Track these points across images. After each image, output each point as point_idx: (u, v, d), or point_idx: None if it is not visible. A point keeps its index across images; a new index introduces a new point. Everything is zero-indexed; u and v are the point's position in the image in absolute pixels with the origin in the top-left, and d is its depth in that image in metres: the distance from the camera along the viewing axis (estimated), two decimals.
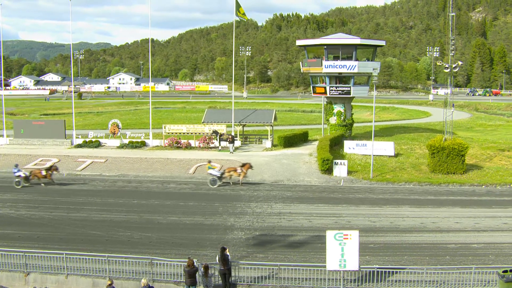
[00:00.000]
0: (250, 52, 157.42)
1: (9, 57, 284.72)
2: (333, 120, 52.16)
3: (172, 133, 49.21)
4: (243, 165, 35.86)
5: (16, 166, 36.25)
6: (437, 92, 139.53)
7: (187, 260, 18.62)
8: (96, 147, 48.58)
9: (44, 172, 35.79)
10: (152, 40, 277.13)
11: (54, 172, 36.28)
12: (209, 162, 36.71)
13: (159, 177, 38.41)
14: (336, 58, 50.08)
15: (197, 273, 18.58)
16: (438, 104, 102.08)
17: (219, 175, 35.39)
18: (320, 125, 57.79)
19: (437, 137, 40.94)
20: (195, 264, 18.51)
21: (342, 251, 18.59)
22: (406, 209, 29.97)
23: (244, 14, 48.79)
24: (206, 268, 18.57)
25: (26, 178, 35.60)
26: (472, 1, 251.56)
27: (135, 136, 50.25)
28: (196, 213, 28.99)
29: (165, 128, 49.44)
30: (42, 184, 35.83)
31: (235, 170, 35.46)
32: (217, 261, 18.99)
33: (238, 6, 47.66)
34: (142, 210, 29.47)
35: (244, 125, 51.72)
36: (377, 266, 19.69)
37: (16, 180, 35.37)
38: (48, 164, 39.34)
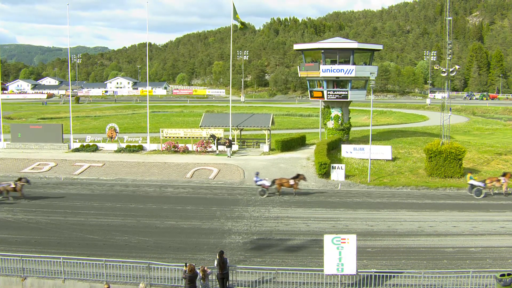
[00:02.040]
0: (247, 56, 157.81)
1: (6, 61, 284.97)
2: (330, 124, 52.22)
3: (170, 137, 49.20)
4: (504, 174, 34.58)
5: (257, 174, 34.60)
6: (434, 96, 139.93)
7: (184, 264, 18.56)
8: (94, 151, 48.52)
9: (292, 182, 33.94)
10: (150, 44, 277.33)
11: (301, 182, 34.68)
12: (470, 172, 35.36)
13: (156, 181, 38.37)
14: (333, 62, 50.22)
15: (197, 278, 18.51)
16: (435, 108, 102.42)
17: (483, 185, 33.88)
18: (318, 129, 57.85)
19: (435, 141, 41.03)
20: (195, 269, 18.43)
21: (340, 255, 18.59)
22: (404, 213, 30.00)
23: (242, 23, 48.71)
24: (205, 271, 18.53)
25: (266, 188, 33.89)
26: (469, 6, 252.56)
27: (133, 140, 50.24)
28: (194, 217, 28.97)
29: (162, 132, 49.44)
30: (277, 193, 34.17)
31: (498, 180, 34.25)
32: (215, 266, 18.94)
33: (235, 12, 47.70)
34: (140, 214, 29.43)
35: (241, 129, 51.74)
36: (375, 270, 19.69)
37: (260, 190, 33.92)
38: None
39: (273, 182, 34.20)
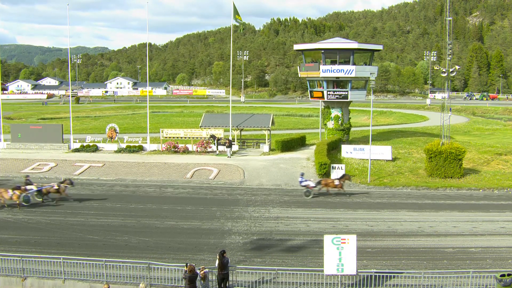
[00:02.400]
0: (247, 57, 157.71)
1: (6, 62, 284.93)
2: (330, 124, 52.22)
3: (170, 137, 49.19)
4: None
5: (302, 175, 34.35)
6: (434, 96, 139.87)
7: (185, 265, 18.55)
8: (94, 152, 48.52)
9: (337, 182, 33.82)
10: (150, 44, 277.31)
11: (347, 182, 34.54)
12: None
13: (156, 182, 38.36)
14: (333, 62, 50.21)
15: (197, 278, 18.49)
16: (435, 109, 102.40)
17: None
18: (318, 130, 57.85)
19: (435, 141, 41.02)
20: (195, 269, 18.41)
21: (340, 256, 18.59)
22: (404, 213, 29.99)
23: (242, 24, 48.92)
24: (204, 272, 18.50)
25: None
26: (469, 6, 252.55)
27: (133, 140, 50.22)
28: (194, 217, 28.96)
29: (162, 132, 49.43)
30: (328, 191, 34.01)
31: None
32: (216, 266, 18.90)
33: (236, 11, 47.71)
34: (140, 215, 29.42)
35: (241, 130, 51.73)
36: (375, 270, 19.69)
37: (306, 191, 33.62)
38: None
39: (319, 182, 34.06)
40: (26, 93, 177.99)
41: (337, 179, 34.28)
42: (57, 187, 32.46)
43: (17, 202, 30.82)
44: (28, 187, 32.33)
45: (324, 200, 33.10)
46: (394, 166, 42.18)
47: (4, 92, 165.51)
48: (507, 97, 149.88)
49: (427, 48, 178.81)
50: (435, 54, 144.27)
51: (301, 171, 36.25)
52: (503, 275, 17.17)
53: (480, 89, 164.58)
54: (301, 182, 34.06)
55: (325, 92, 50.39)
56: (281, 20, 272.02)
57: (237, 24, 49.18)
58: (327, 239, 18.74)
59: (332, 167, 37.99)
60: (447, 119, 40.69)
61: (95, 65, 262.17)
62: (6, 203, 31.01)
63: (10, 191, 30.84)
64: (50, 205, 31.62)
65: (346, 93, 49.95)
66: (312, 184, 33.80)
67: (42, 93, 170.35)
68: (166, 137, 49.20)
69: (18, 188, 31.53)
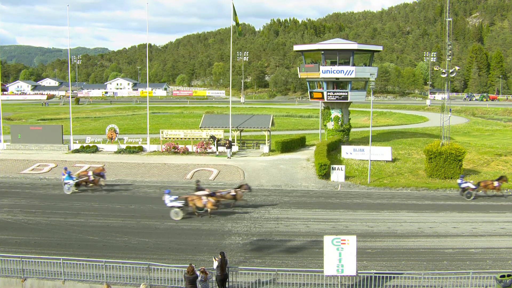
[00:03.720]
0: (247, 57, 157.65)
1: (6, 62, 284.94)
2: (330, 125, 52.22)
3: (170, 138, 49.20)
4: None
5: (462, 177, 33.97)
6: (434, 97, 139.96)
7: (188, 265, 18.51)
8: (94, 152, 48.52)
9: (496, 183, 33.54)
10: (150, 45, 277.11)
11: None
12: None
13: (156, 182, 38.34)
14: (333, 63, 50.23)
15: (197, 279, 18.46)
16: (435, 109, 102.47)
17: None
18: (318, 130, 57.88)
19: (435, 142, 41.04)
20: (195, 270, 18.38)
21: (340, 256, 18.58)
22: (404, 214, 29.98)
23: (239, 27, 49.02)
24: (204, 272, 18.48)
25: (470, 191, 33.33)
26: (468, 7, 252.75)
27: (133, 141, 50.22)
28: (194, 218, 28.94)
29: (162, 133, 49.43)
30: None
31: None
32: (215, 268, 18.88)
33: (235, 14, 47.75)
34: (139, 215, 29.40)
35: (241, 130, 51.74)
36: (375, 271, 19.69)
37: (467, 192, 33.31)
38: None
39: (478, 184, 33.80)
40: (26, 94, 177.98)
41: (496, 180, 34.06)
42: (234, 193, 30.65)
43: (210, 209, 28.83)
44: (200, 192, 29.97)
45: (324, 201, 33.09)
46: (394, 167, 42.20)
47: (4, 93, 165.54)
48: (507, 98, 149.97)
49: (427, 49, 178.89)
50: (435, 55, 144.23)
51: (461, 174, 35.67)
52: (503, 276, 17.16)
53: (480, 90, 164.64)
54: (460, 184, 33.87)
55: (325, 93, 50.41)
56: (281, 21, 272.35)
57: (235, 24, 49.22)
58: (327, 240, 18.74)
59: (332, 168, 38.01)
60: (447, 120, 40.68)
61: (95, 66, 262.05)
62: (197, 211, 29.22)
63: (205, 198, 28.82)
64: (50, 206, 31.54)
65: (346, 94, 49.97)
66: (472, 186, 33.64)
67: (42, 94, 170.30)
68: (166, 138, 49.21)
69: (213, 194, 29.33)
